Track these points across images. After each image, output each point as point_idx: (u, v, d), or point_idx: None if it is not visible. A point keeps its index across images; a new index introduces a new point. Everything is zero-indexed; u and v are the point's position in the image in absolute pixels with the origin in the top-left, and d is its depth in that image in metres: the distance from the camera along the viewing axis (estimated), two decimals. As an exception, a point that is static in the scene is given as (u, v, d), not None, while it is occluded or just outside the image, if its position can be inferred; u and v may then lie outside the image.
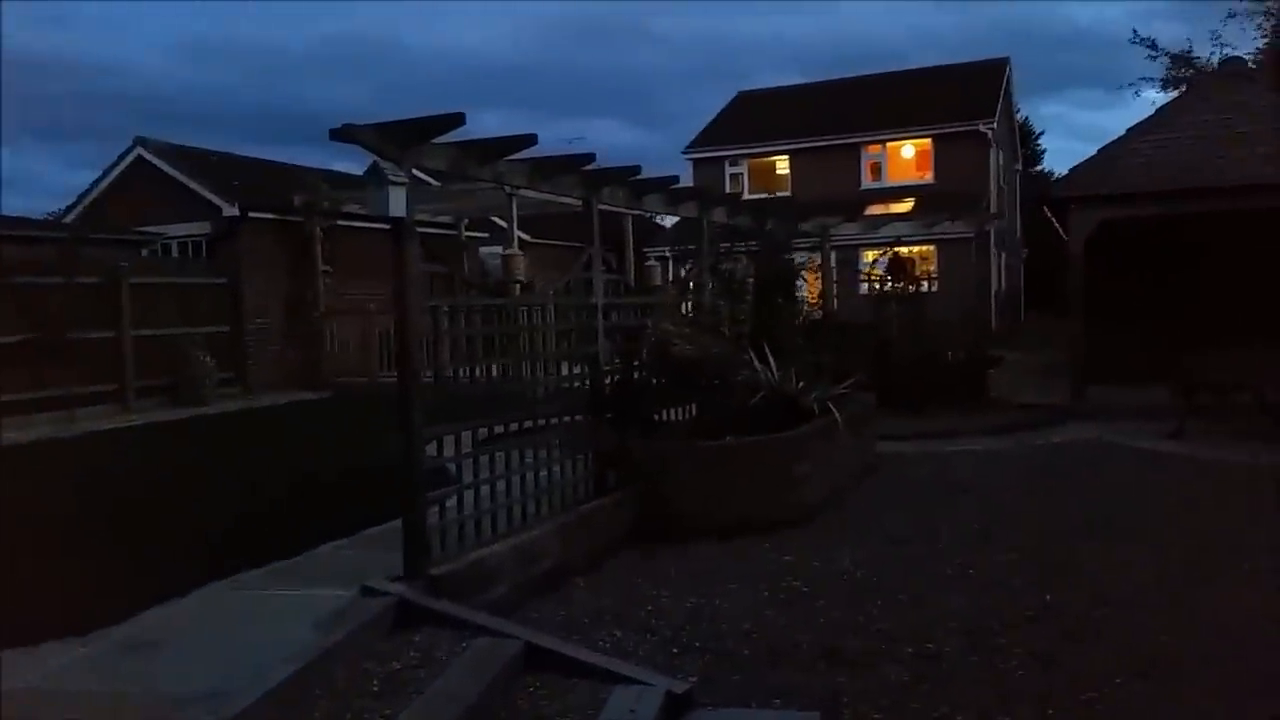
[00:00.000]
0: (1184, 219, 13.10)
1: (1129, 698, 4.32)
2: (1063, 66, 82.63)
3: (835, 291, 14.04)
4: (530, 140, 5.93)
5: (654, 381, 7.43)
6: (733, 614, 5.55)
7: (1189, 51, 29.38)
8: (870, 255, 22.85)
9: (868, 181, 30.61)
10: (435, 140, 5.59)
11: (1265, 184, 11.95)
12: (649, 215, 23.62)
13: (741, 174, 31.42)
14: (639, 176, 7.80)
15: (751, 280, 9.41)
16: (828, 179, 28.59)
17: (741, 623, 5.42)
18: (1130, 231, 13.31)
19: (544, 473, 6.62)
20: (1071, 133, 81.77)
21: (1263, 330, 12.01)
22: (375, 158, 5.35)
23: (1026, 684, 4.52)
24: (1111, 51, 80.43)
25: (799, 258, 13.55)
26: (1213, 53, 28.35)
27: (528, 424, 6.67)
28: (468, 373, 6.47)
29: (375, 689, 4.25)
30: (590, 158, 6.64)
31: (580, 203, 7.65)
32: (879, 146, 30.76)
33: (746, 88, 35.92)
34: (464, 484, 5.94)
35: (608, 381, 7.36)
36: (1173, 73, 29.44)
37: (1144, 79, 30.44)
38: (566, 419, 6.94)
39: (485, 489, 6.00)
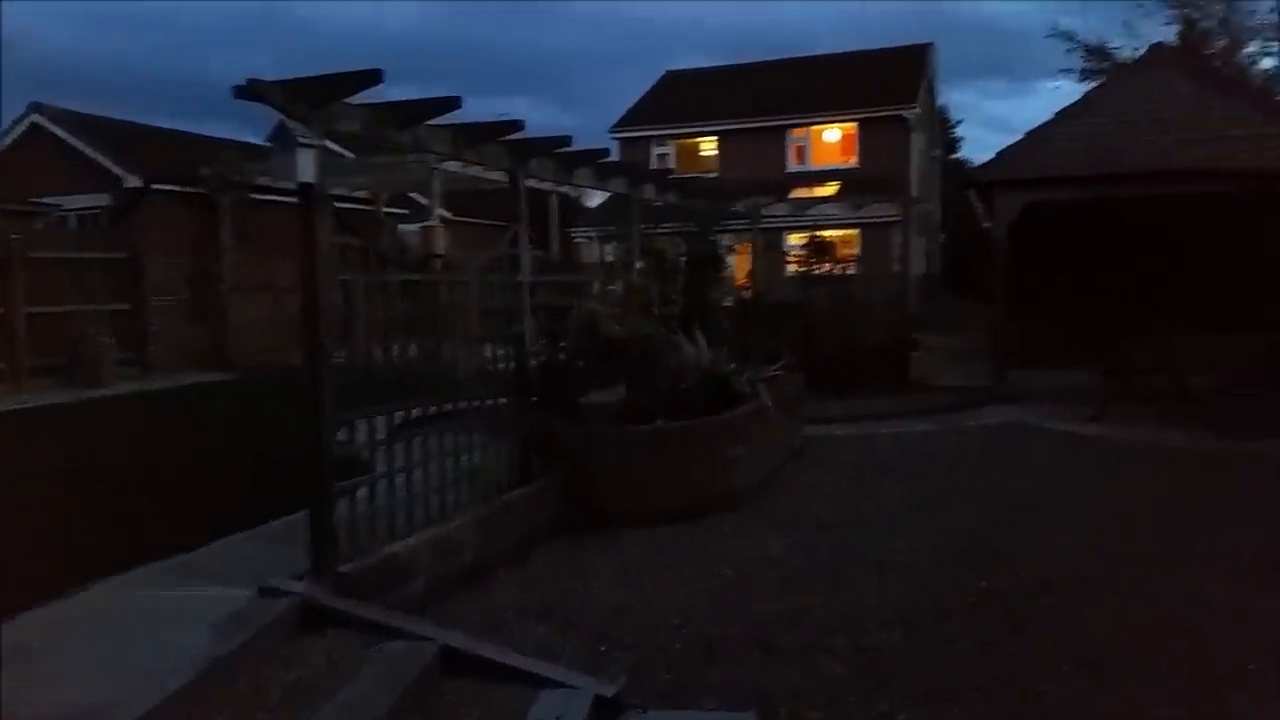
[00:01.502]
0: (1106, 204, 13.27)
1: (1075, 690, 4.19)
2: (972, 57, 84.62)
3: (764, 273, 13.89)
4: (454, 103, 5.53)
5: (582, 363, 7.12)
6: (663, 606, 5.30)
7: (1105, 43, 30.10)
8: (794, 238, 22.91)
9: (793, 164, 30.64)
10: (349, 100, 5.16)
11: (1184, 169, 12.15)
12: (574, 194, 23.21)
13: (668, 154, 31.14)
14: (568, 149, 7.44)
15: (684, 260, 9.15)
16: (754, 161, 28.49)
17: (672, 616, 5.17)
18: (1053, 216, 13.43)
19: (465, 459, 6.26)
20: (981, 122, 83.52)
21: (1182, 315, 12.26)
22: (283, 118, 4.91)
23: (969, 677, 4.37)
24: (1019, 43, 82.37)
25: (727, 239, 13.34)
26: (1122, 46, 29.11)
27: (448, 408, 6.30)
28: (383, 353, 6.07)
29: (276, 700, 3.88)
30: (518, 125, 6.27)
31: (506, 176, 7.27)
32: (804, 130, 30.81)
33: (668, 69, 35.65)
34: (378, 473, 5.56)
35: (533, 363, 7.03)
36: (1089, 64, 30.13)
37: (1063, 71, 31.09)
38: (489, 402, 6.59)
39: (401, 478, 5.63)
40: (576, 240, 21.39)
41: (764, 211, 12.85)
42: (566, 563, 6.16)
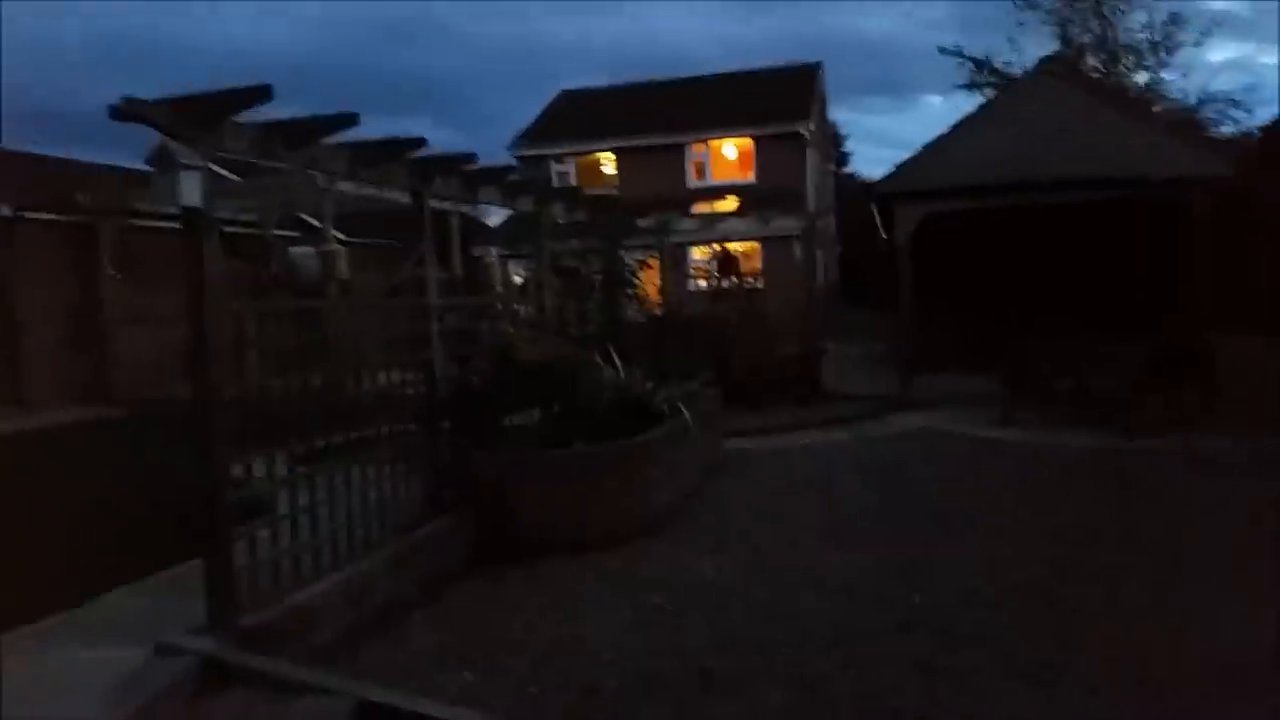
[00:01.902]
0: (1004, 212, 13.61)
1: (1022, 708, 4.10)
2: (853, 75, 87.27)
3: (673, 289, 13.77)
4: (351, 120, 5.20)
5: (496, 388, 6.82)
6: (594, 642, 5.05)
7: (991, 58, 31.19)
8: (698, 252, 22.94)
9: (693, 180, 30.76)
10: (238, 119, 4.80)
11: (1080, 179, 12.54)
12: (474, 213, 22.76)
13: (568, 173, 30.90)
14: (474, 166, 7.15)
15: (598, 278, 8.92)
16: (654, 178, 28.49)
17: (604, 651, 4.93)
18: (952, 225, 13.70)
19: (373, 494, 5.90)
20: (864, 137, 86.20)
21: (1082, 319, 12.62)
22: (164, 140, 4.51)
23: (912, 700, 4.25)
24: (898, 61, 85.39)
25: (635, 254, 13.18)
26: (1011, 62, 30.23)
27: (354, 438, 5.93)
28: (282, 384, 5.67)
29: (175, 776, 3.50)
30: (420, 142, 5.96)
31: (405, 196, 6.95)
32: (703, 145, 30.99)
33: (560, 89, 35.47)
34: (279, 514, 5.17)
35: (444, 389, 6.70)
36: (977, 78, 31.18)
37: (958, 87, 32.07)
38: (399, 430, 6.25)
39: (304, 518, 5.25)
40: (483, 260, 21.03)
41: (673, 227, 12.74)
42: (487, 598, 5.85)
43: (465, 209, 17.99)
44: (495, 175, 7.85)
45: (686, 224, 13.76)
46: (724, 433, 10.08)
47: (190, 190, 4.46)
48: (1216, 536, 6.43)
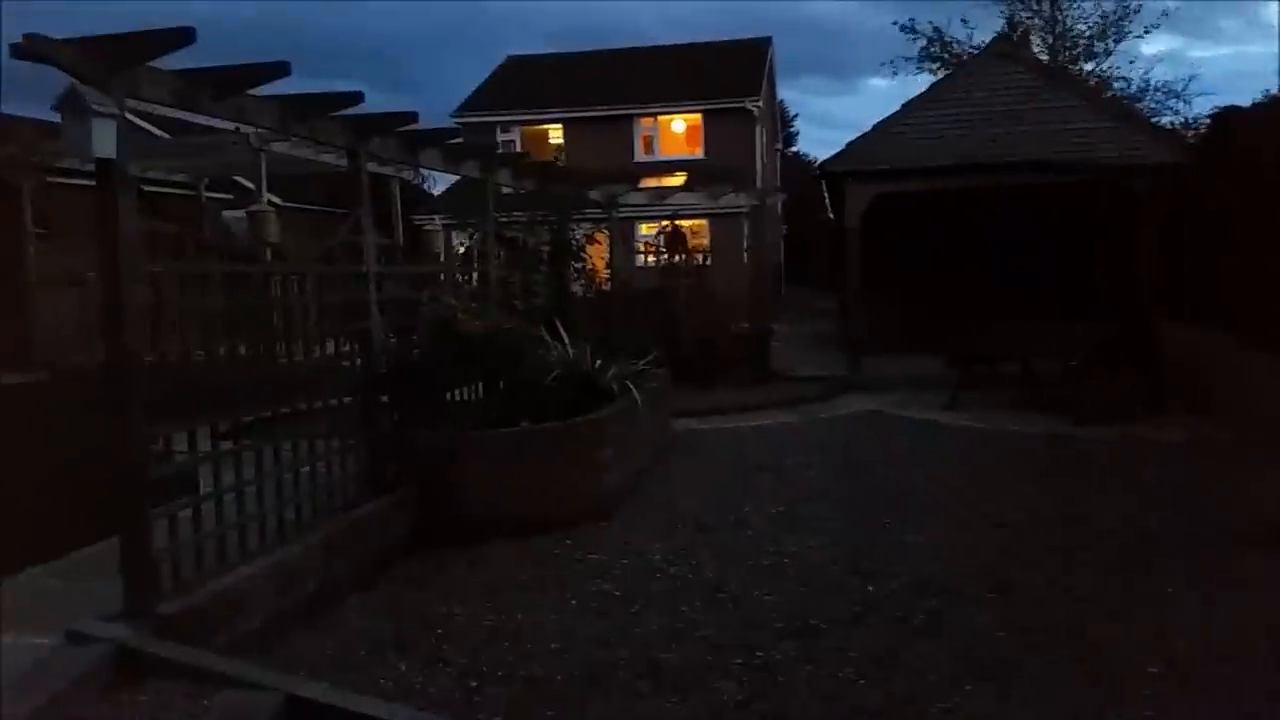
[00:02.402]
0: (955, 194, 13.55)
1: (980, 706, 3.96)
2: (797, 55, 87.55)
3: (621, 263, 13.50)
4: (282, 69, 4.82)
5: (436, 361, 6.50)
6: (539, 630, 4.82)
7: (945, 34, 31.26)
8: (646, 228, 22.64)
9: (641, 154, 30.42)
10: (154, 65, 4.40)
11: (1031, 161, 12.51)
12: (417, 180, 22.17)
13: (514, 141, 30.27)
14: (414, 127, 6.77)
15: (546, 249, 8.60)
16: (602, 150, 28.05)
17: (549, 640, 4.69)
18: (902, 206, 13.62)
19: (305, 472, 5.57)
20: (808, 118, 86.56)
21: (1031, 302, 12.65)
22: (73, 84, 4.10)
23: (868, 694, 4.09)
24: (843, 42, 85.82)
25: (583, 227, 12.88)
26: (963, 42, 30.36)
27: (287, 413, 5.59)
28: (209, 352, 5.29)
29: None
30: (356, 97, 5.57)
31: (343, 157, 6.56)
32: (652, 119, 30.67)
33: (503, 55, 34.77)
34: (205, 492, 4.83)
35: (384, 361, 6.37)
36: (931, 53, 31.23)
37: (913, 59, 31.98)
38: (334, 403, 5.91)
39: (231, 497, 4.91)
40: (424, 229, 20.46)
41: (621, 200, 12.45)
42: (427, 584, 5.57)
43: (408, 175, 17.46)
44: (437, 137, 7.48)
45: (635, 197, 13.44)
46: (674, 412, 9.87)
47: (104, 140, 4.07)
48: (1166, 524, 6.40)
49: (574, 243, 11.89)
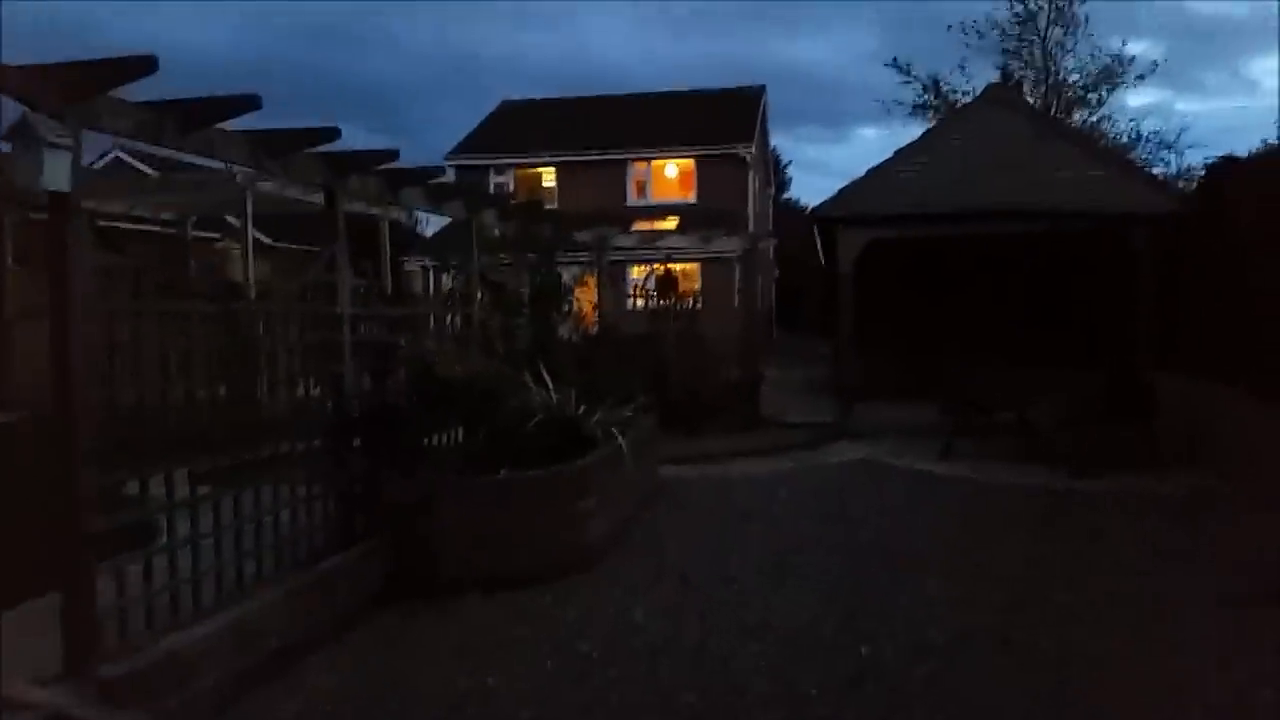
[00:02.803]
0: (947, 240, 13.43)
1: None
2: (790, 103, 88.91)
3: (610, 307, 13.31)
4: (253, 102, 4.62)
5: (413, 405, 6.25)
6: (512, 696, 4.52)
7: (940, 79, 31.58)
8: (637, 271, 22.52)
9: (634, 198, 30.50)
10: (115, 94, 4.21)
11: (1023, 209, 12.40)
12: (408, 222, 22.07)
13: (507, 184, 30.38)
14: (394, 165, 6.58)
15: (527, 292, 8.39)
16: (594, 193, 28.11)
17: (523, 708, 4.39)
18: (895, 252, 13.50)
19: (269, 522, 5.29)
20: (800, 165, 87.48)
21: (1026, 351, 12.47)
22: (25, 113, 3.89)
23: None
24: (835, 93, 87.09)
25: (572, 270, 12.70)
26: (957, 90, 30.61)
27: (250, 459, 5.31)
28: (171, 395, 5.03)
29: None
30: (333, 133, 5.38)
31: (321, 197, 6.36)
32: (645, 164, 30.77)
33: (498, 100, 34.90)
34: (159, 543, 4.55)
35: (356, 406, 6.11)
36: (924, 99, 31.52)
37: (909, 105, 32.27)
38: (302, 447, 5.65)
39: (186, 550, 4.62)
40: (405, 268, 20.25)
41: (611, 242, 12.28)
42: (396, 643, 5.26)
43: (398, 216, 17.32)
44: (419, 177, 7.29)
45: (625, 240, 13.29)
46: (662, 459, 9.61)
47: (56, 172, 3.85)
48: (1170, 582, 6.14)
49: (563, 286, 11.71)
